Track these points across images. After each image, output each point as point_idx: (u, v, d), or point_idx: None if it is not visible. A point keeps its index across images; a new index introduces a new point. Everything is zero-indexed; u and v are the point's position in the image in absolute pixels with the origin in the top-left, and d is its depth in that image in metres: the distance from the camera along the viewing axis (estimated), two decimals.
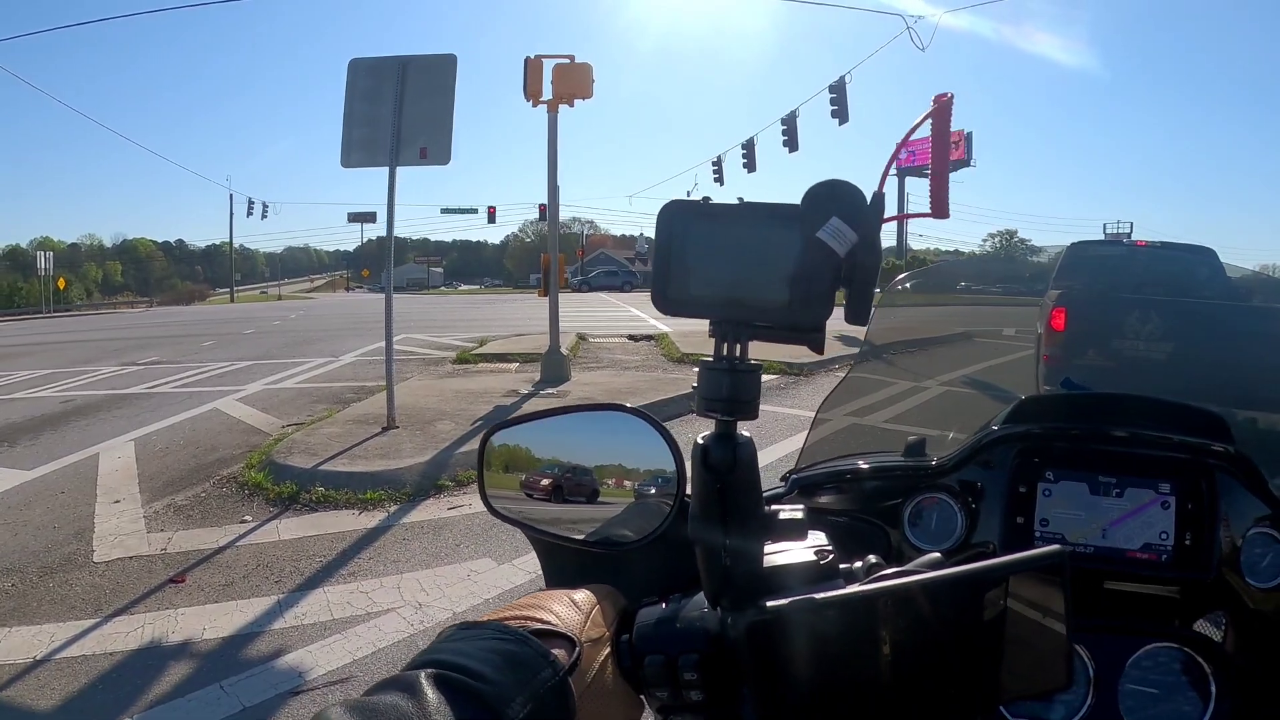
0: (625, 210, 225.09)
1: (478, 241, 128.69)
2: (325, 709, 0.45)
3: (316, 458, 6.30)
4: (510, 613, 0.64)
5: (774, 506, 0.71)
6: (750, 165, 25.82)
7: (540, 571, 0.92)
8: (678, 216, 0.66)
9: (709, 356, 0.66)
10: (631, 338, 16.28)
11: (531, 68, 9.65)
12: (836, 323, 0.67)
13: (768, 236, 0.65)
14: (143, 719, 3.00)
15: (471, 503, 5.35)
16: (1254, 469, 1.10)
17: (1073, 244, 9.02)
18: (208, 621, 3.77)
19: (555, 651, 0.59)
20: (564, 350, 10.92)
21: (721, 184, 30.29)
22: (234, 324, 24.82)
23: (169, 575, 4.35)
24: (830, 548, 0.71)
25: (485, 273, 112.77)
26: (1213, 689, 0.98)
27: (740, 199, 0.66)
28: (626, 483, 0.82)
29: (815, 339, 0.66)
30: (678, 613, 0.70)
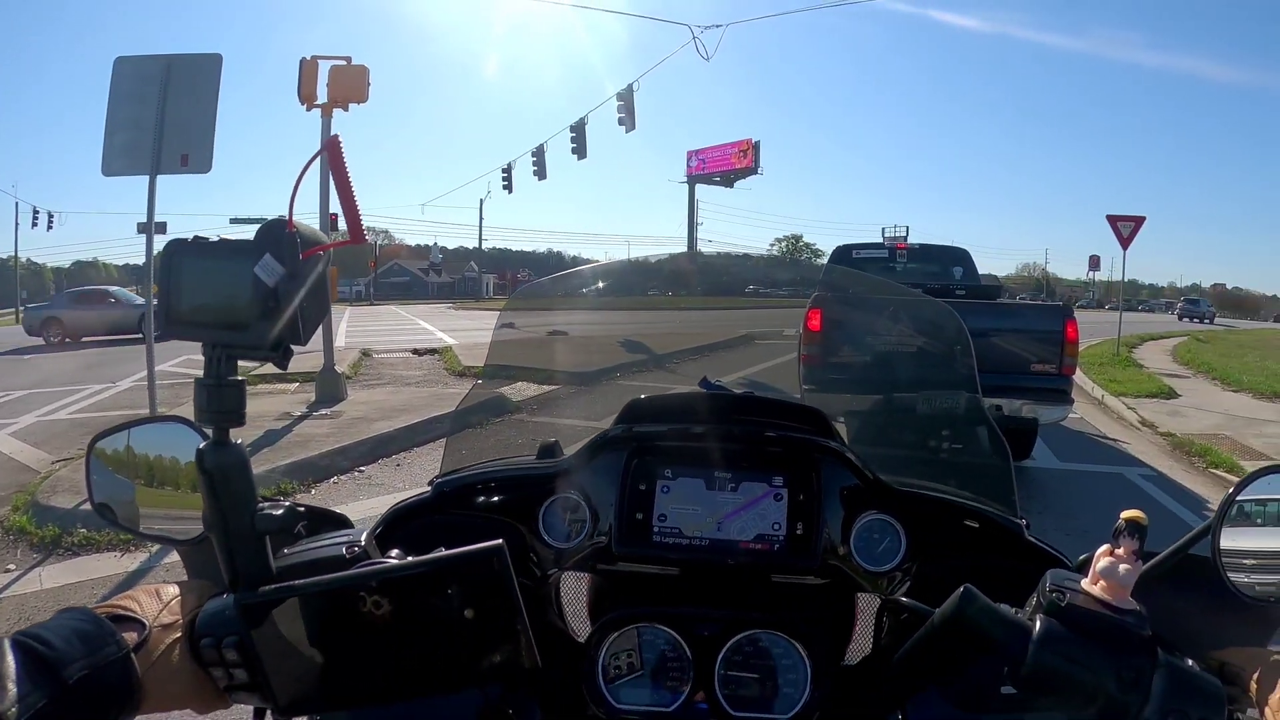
0: (419, 219, 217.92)
1: None
2: None
3: (79, 496, 5.70)
4: (109, 602, 0.76)
5: (265, 504, 0.77)
6: (541, 173, 26.04)
7: None
8: (176, 253, 0.73)
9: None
10: (416, 352, 16.08)
11: (307, 70, 9.22)
12: None
13: (238, 270, 0.72)
14: None
15: None
16: (851, 461, 1.17)
17: (836, 248, 9.85)
18: None
19: (126, 634, 0.71)
20: (342, 368, 10.59)
21: (511, 191, 30.32)
22: (11, 346, 21.23)
23: None
24: (360, 543, 0.81)
25: None
26: (809, 671, 1.02)
27: (220, 238, 0.75)
28: None
29: (274, 358, 0.74)
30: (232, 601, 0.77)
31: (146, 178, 6.80)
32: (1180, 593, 0.84)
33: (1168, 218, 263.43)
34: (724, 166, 52.66)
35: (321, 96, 9.30)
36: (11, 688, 0.60)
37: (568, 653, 1.10)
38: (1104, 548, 0.81)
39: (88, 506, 5.34)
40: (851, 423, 3.41)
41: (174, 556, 4.92)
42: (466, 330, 22.43)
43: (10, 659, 0.63)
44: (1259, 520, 0.84)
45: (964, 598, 0.81)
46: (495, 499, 1.23)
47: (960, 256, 9.34)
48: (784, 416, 1.21)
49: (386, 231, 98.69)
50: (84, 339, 21.64)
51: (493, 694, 0.97)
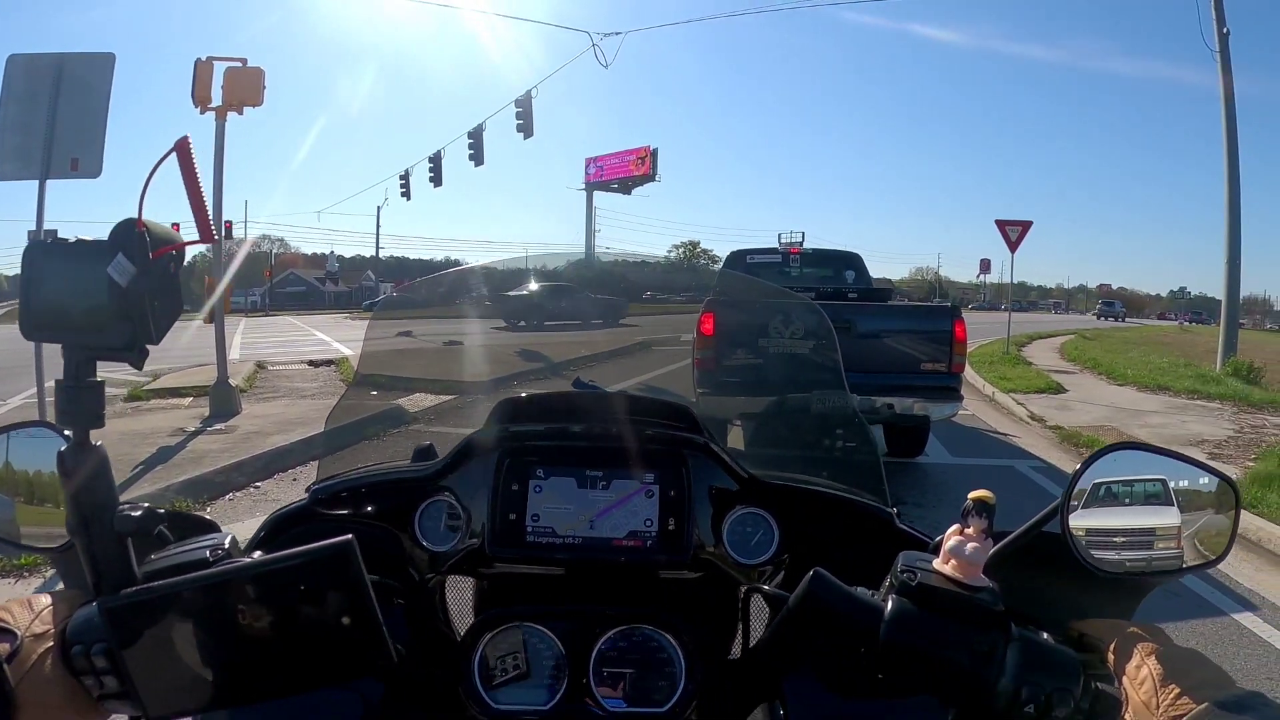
0: (316, 226, 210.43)
1: None
2: None
3: None
4: None
5: (124, 506, 0.76)
6: (437, 180, 25.80)
7: None
8: (34, 255, 0.73)
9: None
10: (312, 363, 15.70)
11: (201, 71, 8.86)
12: None
13: (93, 271, 0.72)
14: None
15: None
16: (721, 457, 1.19)
17: (731, 253, 10.01)
18: None
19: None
20: (237, 381, 10.24)
21: (409, 199, 29.87)
22: None
23: None
24: (225, 546, 0.82)
25: None
26: (683, 664, 1.04)
27: (78, 238, 0.74)
28: None
29: (129, 357, 0.74)
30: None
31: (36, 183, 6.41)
32: (1038, 569, 0.86)
33: (1055, 221, 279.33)
34: (622, 173, 52.82)
35: (216, 99, 8.95)
36: None
37: (453, 656, 1.10)
38: (953, 528, 0.83)
39: None
40: (747, 425, 3.50)
41: None
42: (357, 342, 21.77)
43: None
44: (1113, 500, 0.86)
45: (814, 581, 0.84)
46: (370, 504, 1.22)
47: (852, 260, 9.58)
48: (654, 414, 1.23)
49: (282, 239, 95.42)
50: None
51: (373, 696, 0.98)
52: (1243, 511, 0.90)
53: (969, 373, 13.22)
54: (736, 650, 1.24)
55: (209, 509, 6.01)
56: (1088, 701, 0.77)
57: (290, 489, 6.61)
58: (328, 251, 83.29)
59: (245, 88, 9.02)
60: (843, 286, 8.65)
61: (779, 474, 1.24)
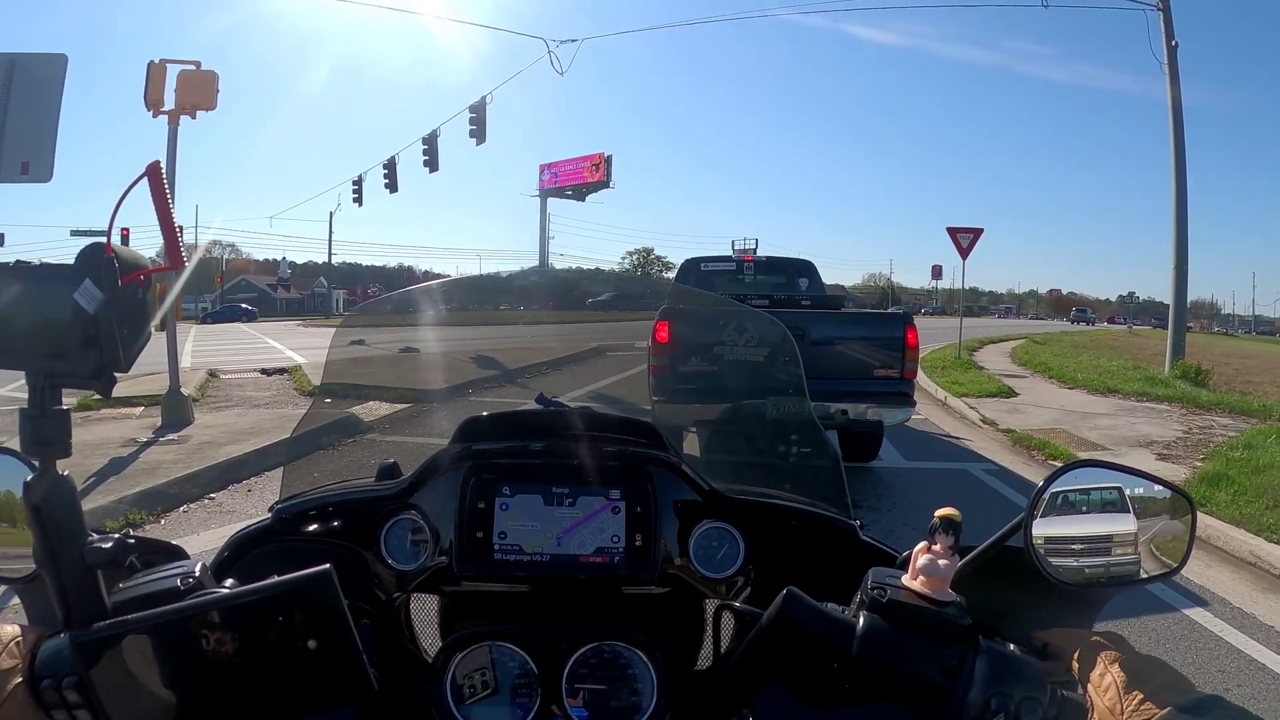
0: (268, 232, 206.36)
1: None
2: None
3: None
4: None
5: (95, 537, 0.75)
6: (392, 186, 25.47)
7: None
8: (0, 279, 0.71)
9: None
10: (265, 371, 15.48)
11: (154, 74, 8.70)
12: None
13: (58, 296, 0.70)
14: None
15: None
16: (685, 472, 1.20)
17: (685, 261, 10.07)
18: None
19: None
20: (189, 390, 10.08)
21: (361, 204, 29.48)
22: None
23: None
24: (195, 574, 0.82)
25: None
26: (654, 680, 1.04)
27: (42, 261, 0.74)
28: None
29: (96, 385, 0.73)
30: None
31: None
32: (1002, 582, 0.88)
33: (1006, 227, 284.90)
34: (576, 180, 52.68)
35: (169, 103, 8.80)
36: None
37: (422, 676, 1.09)
38: (921, 545, 0.86)
39: None
40: (703, 432, 3.56)
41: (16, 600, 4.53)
42: (317, 348, 21.47)
43: None
44: (1071, 509, 0.88)
45: (787, 600, 0.87)
46: (335, 523, 1.21)
47: (805, 268, 9.66)
48: (619, 431, 1.23)
49: (233, 245, 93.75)
50: None
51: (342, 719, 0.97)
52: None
53: (922, 378, 13.46)
54: (704, 661, 1.25)
55: (163, 521, 5.91)
56: (1054, 710, 0.79)
57: (245, 500, 6.52)
58: (279, 257, 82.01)
59: (199, 91, 8.88)
60: (796, 294, 8.78)
61: (743, 488, 1.25)
